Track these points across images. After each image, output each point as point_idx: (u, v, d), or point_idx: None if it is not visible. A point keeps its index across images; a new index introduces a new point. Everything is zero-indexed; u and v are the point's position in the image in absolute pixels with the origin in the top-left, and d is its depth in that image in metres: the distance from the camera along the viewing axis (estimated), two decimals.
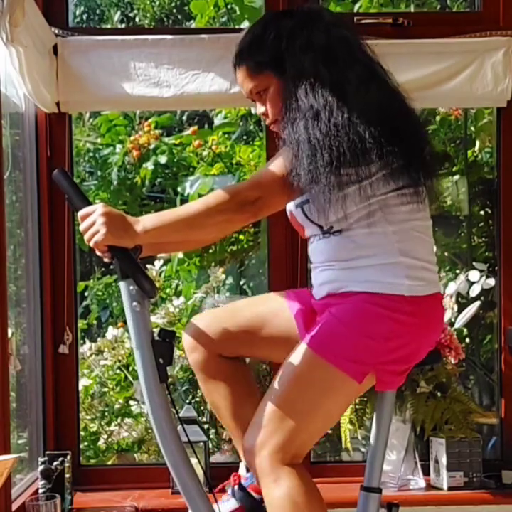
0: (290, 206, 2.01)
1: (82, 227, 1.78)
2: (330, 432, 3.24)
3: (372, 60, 1.96)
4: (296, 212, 1.98)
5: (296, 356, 1.86)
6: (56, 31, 2.73)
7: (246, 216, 1.85)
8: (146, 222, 1.78)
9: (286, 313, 2.05)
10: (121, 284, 1.81)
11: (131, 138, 3.88)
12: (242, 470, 2.13)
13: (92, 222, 1.76)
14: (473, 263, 3.21)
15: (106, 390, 3.37)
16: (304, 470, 1.84)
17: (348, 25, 2.08)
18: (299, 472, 1.81)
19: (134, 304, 1.79)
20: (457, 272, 3.45)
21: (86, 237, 1.77)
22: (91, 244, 1.77)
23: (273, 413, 1.83)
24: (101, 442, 3.30)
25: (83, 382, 3.24)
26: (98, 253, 1.83)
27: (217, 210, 1.80)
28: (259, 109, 2.03)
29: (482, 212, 3.59)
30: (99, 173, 3.99)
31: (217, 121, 3.94)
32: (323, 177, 1.80)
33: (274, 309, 2.09)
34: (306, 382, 1.85)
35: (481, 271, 3.10)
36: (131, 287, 1.79)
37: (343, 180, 1.81)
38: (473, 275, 3.09)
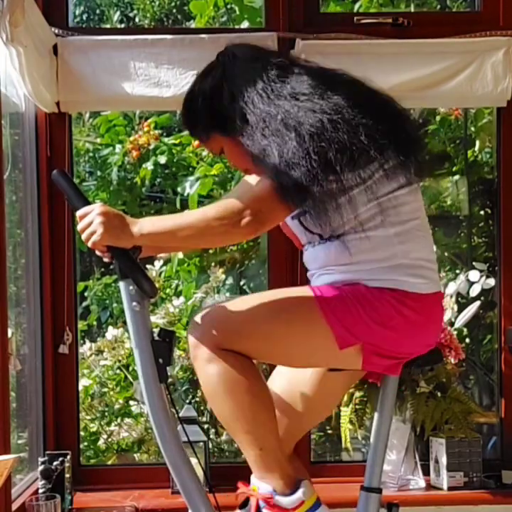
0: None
1: (79, 227, 1.78)
2: (330, 432, 3.25)
3: (309, 69, 1.90)
4: (292, 224, 1.96)
5: (296, 293, 1.86)
6: (56, 31, 2.73)
7: (246, 230, 1.80)
8: (143, 225, 1.78)
9: None
10: (121, 284, 1.81)
11: (131, 138, 3.88)
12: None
13: (90, 221, 1.76)
14: (473, 263, 3.21)
15: (106, 390, 3.37)
16: (242, 356, 1.82)
17: (266, 50, 2.01)
18: (236, 356, 1.80)
19: (134, 304, 1.79)
20: (457, 272, 3.45)
21: (83, 236, 1.77)
22: (89, 244, 1.77)
23: (242, 314, 1.82)
24: (101, 442, 3.30)
25: (83, 382, 3.24)
26: (98, 253, 1.83)
27: (216, 223, 1.77)
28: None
29: (482, 212, 3.59)
30: (98, 173, 3.99)
31: None
32: (311, 197, 1.77)
33: None
34: (292, 318, 1.83)
35: (481, 271, 3.10)
36: (131, 287, 1.79)
37: (334, 191, 1.78)
38: (473, 275, 3.09)
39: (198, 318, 1.85)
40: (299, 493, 1.83)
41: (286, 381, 2.06)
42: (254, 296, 1.93)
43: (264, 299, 1.87)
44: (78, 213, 1.79)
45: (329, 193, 1.78)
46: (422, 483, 2.75)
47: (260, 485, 1.86)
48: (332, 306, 1.83)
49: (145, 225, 1.78)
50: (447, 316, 2.97)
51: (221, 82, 1.91)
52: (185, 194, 3.76)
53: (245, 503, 1.89)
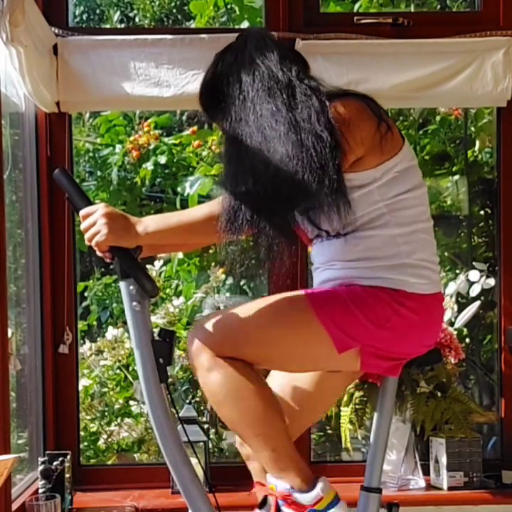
0: None
1: (82, 226, 1.78)
2: (330, 432, 3.25)
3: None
4: (301, 219, 1.95)
5: (290, 298, 1.86)
6: (56, 31, 2.73)
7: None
8: (148, 223, 1.79)
9: None
10: (121, 284, 1.81)
11: (131, 138, 3.88)
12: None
13: (93, 222, 1.76)
14: (473, 263, 3.21)
15: (106, 390, 3.37)
16: (242, 362, 1.81)
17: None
18: (235, 362, 1.79)
19: (134, 303, 1.80)
20: (457, 271, 3.45)
21: (87, 236, 1.77)
22: (92, 244, 1.77)
23: (238, 321, 1.82)
24: (101, 442, 3.30)
25: (83, 382, 3.24)
26: (98, 253, 1.83)
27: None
28: None
29: (482, 212, 3.59)
30: (98, 173, 3.99)
31: None
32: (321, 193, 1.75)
33: None
34: (287, 322, 1.83)
35: (481, 271, 3.10)
36: (131, 287, 1.79)
37: (344, 190, 1.77)
38: (473, 275, 3.10)
39: (194, 329, 1.85)
40: (317, 490, 1.83)
41: (284, 379, 2.06)
42: (251, 303, 1.91)
43: (259, 306, 1.86)
44: (82, 213, 1.79)
45: (339, 191, 1.75)
46: (422, 483, 2.75)
47: (277, 483, 1.86)
48: (328, 310, 1.83)
49: (150, 224, 1.79)
50: (447, 316, 2.98)
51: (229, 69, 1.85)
52: (185, 194, 3.76)
53: (264, 503, 1.89)
